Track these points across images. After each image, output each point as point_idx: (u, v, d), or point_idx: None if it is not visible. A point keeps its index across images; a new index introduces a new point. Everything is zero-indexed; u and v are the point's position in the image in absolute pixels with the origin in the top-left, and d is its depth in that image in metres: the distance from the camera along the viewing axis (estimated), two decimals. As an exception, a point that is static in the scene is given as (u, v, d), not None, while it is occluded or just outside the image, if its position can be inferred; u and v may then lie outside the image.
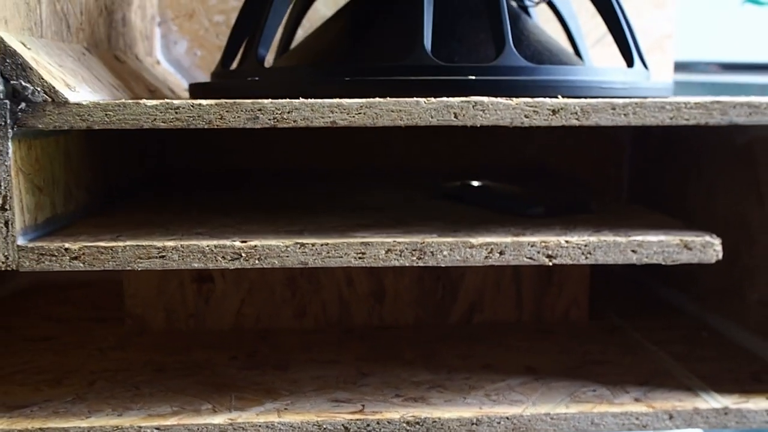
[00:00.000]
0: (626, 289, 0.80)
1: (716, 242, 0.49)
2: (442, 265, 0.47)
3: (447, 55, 0.52)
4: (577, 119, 0.46)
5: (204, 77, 0.84)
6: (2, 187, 0.45)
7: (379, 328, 0.67)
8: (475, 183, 0.66)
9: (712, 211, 0.67)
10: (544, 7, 0.69)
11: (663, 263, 0.49)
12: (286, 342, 0.64)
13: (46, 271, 0.47)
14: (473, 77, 0.47)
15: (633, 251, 0.49)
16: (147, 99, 0.46)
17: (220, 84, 0.54)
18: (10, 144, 0.44)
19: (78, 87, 0.48)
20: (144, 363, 0.59)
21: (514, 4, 0.65)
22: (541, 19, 0.73)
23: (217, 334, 0.66)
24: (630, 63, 0.56)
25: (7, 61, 0.44)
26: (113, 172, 0.64)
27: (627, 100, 0.47)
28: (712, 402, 0.51)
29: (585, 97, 0.48)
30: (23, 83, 0.44)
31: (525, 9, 0.68)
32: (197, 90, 0.57)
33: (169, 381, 0.55)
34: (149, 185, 0.73)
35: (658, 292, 0.78)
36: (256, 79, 0.51)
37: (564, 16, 0.65)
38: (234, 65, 0.61)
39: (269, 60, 0.59)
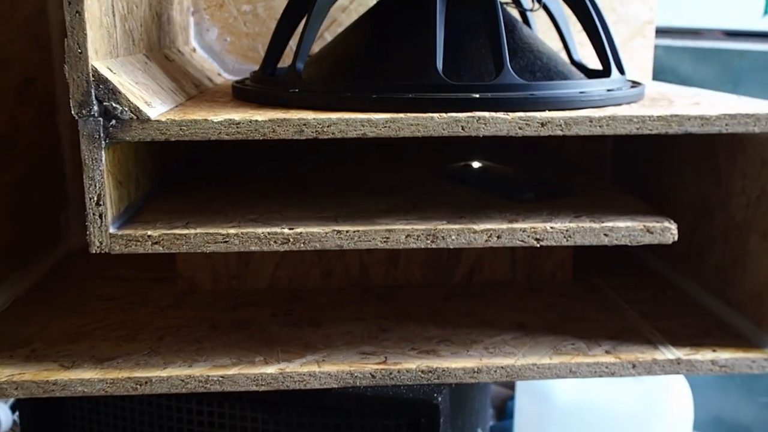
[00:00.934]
0: (606, 253, 0.91)
1: (673, 227, 0.61)
2: (451, 247, 0.59)
3: (454, 71, 0.62)
4: (561, 130, 0.57)
5: (233, 61, 0.93)
6: (97, 187, 0.56)
7: (393, 287, 0.79)
8: (476, 165, 0.77)
9: (681, 190, 0.78)
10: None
11: (629, 245, 0.60)
12: (316, 301, 0.75)
13: (130, 251, 0.58)
14: (477, 95, 0.58)
15: (605, 235, 0.60)
16: (194, 93, 0.56)
17: (264, 92, 0.64)
18: (103, 153, 0.55)
19: (152, 102, 0.58)
20: (200, 320, 0.71)
21: (512, 10, 0.75)
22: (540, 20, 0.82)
23: (255, 293, 0.77)
24: (608, 73, 0.66)
25: (101, 86, 0.54)
26: (167, 157, 0.74)
27: (601, 114, 0.57)
28: (667, 354, 0.64)
29: (569, 109, 0.59)
30: (113, 104, 0.55)
31: (524, 14, 0.77)
32: (242, 94, 0.67)
33: (224, 336, 0.67)
34: (192, 164, 0.84)
35: (634, 255, 0.90)
36: (296, 91, 0.61)
37: (557, 20, 0.75)
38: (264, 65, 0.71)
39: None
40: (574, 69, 0.71)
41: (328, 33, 0.93)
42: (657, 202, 0.81)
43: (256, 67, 0.91)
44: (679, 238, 0.61)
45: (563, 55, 0.77)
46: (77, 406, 0.72)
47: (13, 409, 1.60)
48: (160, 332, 0.68)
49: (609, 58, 0.67)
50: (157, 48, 0.75)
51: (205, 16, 0.92)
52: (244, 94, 0.67)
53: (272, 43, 0.70)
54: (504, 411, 1.65)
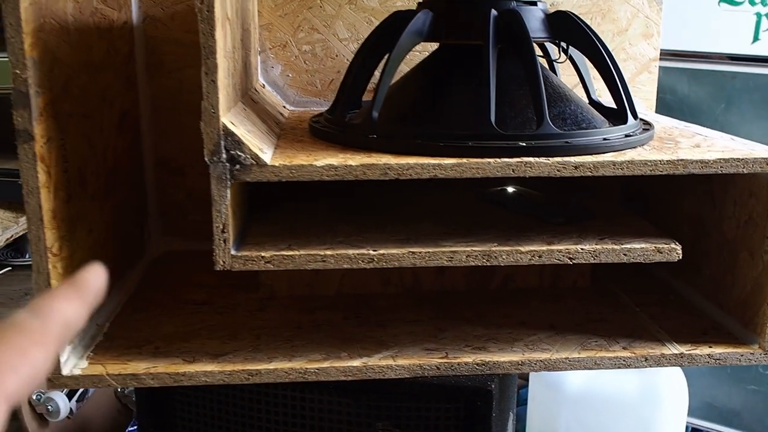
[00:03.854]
0: (619, 263, 1.06)
1: (678, 248, 0.75)
2: (502, 265, 0.73)
3: (502, 119, 0.77)
4: (590, 172, 0.72)
5: (294, 94, 1.07)
6: (223, 218, 0.70)
7: (441, 293, 0.94)
8: (510, 189, 0.92)
9: (682, 210, 0.93)
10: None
11: (643, 261, 0.75)
12: (378, 305, 0.90)
13: (247, 269, 0.72)
14: (524, 144, 0.72)
15: (624, 254, 0.75)
16: (278, 132, 0.70)
17: (346, 137, 0.78)
18: (228, 191, 0.69)
19: (264, 148, 0.72)
20: (286, 321, 0.85)
21: (542, 60, 0.89)
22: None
23: (325, 298, 0.92)
24: (625, 119, 0.80)
25: (228, 138, 0.68)
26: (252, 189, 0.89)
27: (622, 159, 0.72)
28: (672, 349, 0.78)
29: (596, 153, 0.73)
30: (238, 153, 0.69)
31: (551, 64, 0.92)
32: (324, 135, 0.82)
33: (309, 335, 0.82)
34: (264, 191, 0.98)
35: (644, 265, 1.04)
36: (375, 137, 0.75)
37: (579, 68, 0.89)
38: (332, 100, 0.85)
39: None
40: (594, 113, 0.85)
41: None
42: (662, 219, 0.96)
43: (314, 100, 1.06)
44: (682, 251, 0.76)
45: (580, 90, 0.92)
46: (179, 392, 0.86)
47: (69, 397, 1.75)
48: (256, 332, 0.82)
49: (625, 106, 0.81)
50: (245, 92, 0.89)
51: (270, 55, 1.06)
52: (326, 135, 0.81)
53: (349, 89, 0.84)
54: (518, 398, 1.80)
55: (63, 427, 1.83)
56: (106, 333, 0.82)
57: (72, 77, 0.76)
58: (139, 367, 0.74)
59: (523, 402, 1.70)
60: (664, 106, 1.60)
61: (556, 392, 1.49)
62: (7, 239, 2.14)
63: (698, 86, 1.61)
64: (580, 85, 0.92)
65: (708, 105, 1.57)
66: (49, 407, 1.75)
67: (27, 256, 2.34)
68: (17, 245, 2.30)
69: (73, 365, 0.74)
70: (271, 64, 1.07)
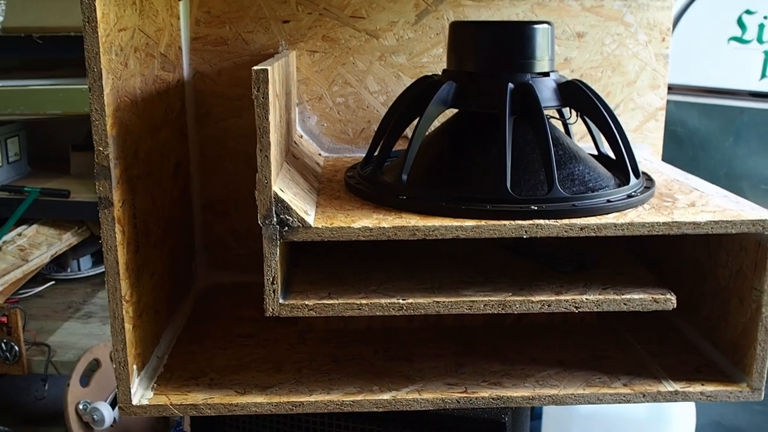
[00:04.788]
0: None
1: (673, 298, 0.85)
2: (516, 313, 0.84)
3: (516, 182, 0.87)
4: (594, 233, 0.82)
5: (329, 141, 1.18)
6: (273, 272, 0.81)
7: (461, 328, 1.04)
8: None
9: (682, 256, 1.02)
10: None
11: (641, 310, 0.85)
12: (404, 339, 1.00)
13: (293, 315, 0.83)
14: (535, 207, 0.82)
15: (624, 304, 0.85)
16: (317, 186, 0.81)
17: (378, 196, 0.89)
18: (277, 249, 0.80)
19: (308, 210, 0.83)
20: (323, 355, 0.96)
21: (555, 122, 0.99)
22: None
23: (357, 332, 1.02)
24: (627, 181, 0.90)
25: (279, 204, 0.79)
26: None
27: (623, 221, 0.82)
28: (668, 386, 0.88)
29: (600, 215, 0.83)
30: (287, 216, 0.79)
31: (566, 124, 1.02)
32: (358, 192, 0.92)
33: (345, 369, 0.92)
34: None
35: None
36: (404, 198, 0.86)
37: (590, 127, 0.99)
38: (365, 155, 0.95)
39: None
40: (601, 170, 0.95)
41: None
42: (664, 263, 1.05)
43: (347, 147, 1.17)
44: (680, 291, 0.85)
45: (590, 140, 1.02)
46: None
47: (112, 405, 1.87)
48: (298, 365, 0.93)
49: (628, 169, 0.91)
50: (287, 148, 1.00)
51: (307, 107, 1.17)
52: (360, 193, 0.92)
53: (381, 148, 0.94)
54: (533, 412, 1.90)
55: (106, 434, 1.96)
56: (166, 365, 0.93)
57: (140, 144, 0.87)
58: (198, 398, 0.85)
59: (537, 416, 1.80)
60: (675, 139, 1.70)
61: (569, 410, 1.59)
62: (53, 255, 2.27)
63: (708, 120, 1.70)
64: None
65: (717, 138, 1.65)
66: (95, 416, 1.87)
67: (69, 270, 2.48)
68: (60, 260, 2.43)
69: (140, 396, 0.85)
70: (308, 115, 1.17)
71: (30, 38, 2.13)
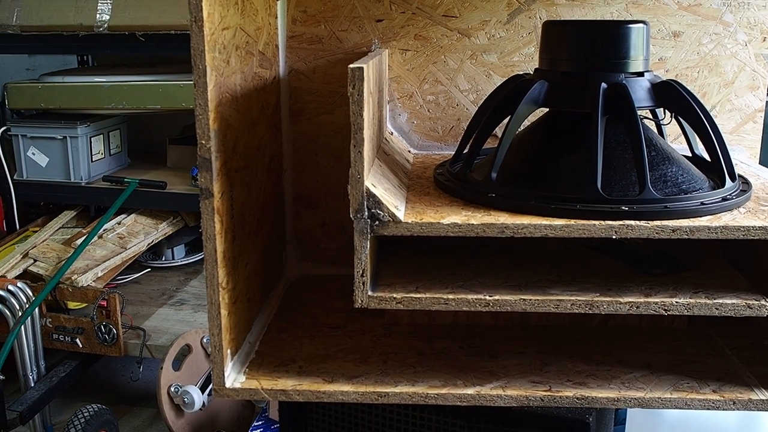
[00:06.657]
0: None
1: (767, 303, 0.83)
2: (603, 313, 0.83)
3: (607, 182, 0.86)
4: (686, 235, 0.81)
5: (418, 138, 1.20)
6: (363, 264, 0.83)
7: (546, 327, 1.04)
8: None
9: None
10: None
11: (734, 316, 0.83)
12: (489, 336, 1.01)
13: (381, 308, 0.85)
14: (626, 208, 0.82)
15: (716, 308, 0.83)
16: (407, 182, 0.82)
17: (468, 193, 0.90)
18: (368, 243, 0.82)
19: (398, 205, 0.85)
20: (409, 348, 0.98)
21: (648, 122, 0.98)
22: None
23: (442, 327, 1.04)
24: (723, 183, 0.88)
25: (370, 199, 0.81)
26: (384, 227, 1.02)
27: (717, 224, 0.80)
28: (760, 395, 0.86)
29: (693, 217, 0.82)
30: (378, 211, 0.82)
31: (659, 125, 1.00)
32: (447, 189, 0.93)
33: (430, 362, 0.94)
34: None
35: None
36: (493, 195, 0.87)
37: (685, 128, 0.98)
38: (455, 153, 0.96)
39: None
40: (695, 172, 0.93)
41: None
42: (758, 268, 1.03)
43: (435, 144, 1.18)
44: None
45: (683, 141, 1.00)
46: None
47: (202, 390, 1.94)
48: (383, 357, 0.95)
49: (724, 171, 0.89)
50: (379, 144, 1.02)
51: (398, 104, 1.19)
52: (449, 190, 0.93)
53: (471, 146, 0.96)
54: (617, 417, 1.87)
55: (196, 417, 2.03)
56: (257, 351, 0.96)
57: (239, 138, 0.91)
58: (287, 384, 0.88)
59: (621, 421, 1.77)
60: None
61: (654, 417, 1.56)
62: (149, 244, 2.37)
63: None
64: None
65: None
66: (185, 399, 1.95)
67: (163, 258, 2.58)
68: (155, 248, 2.54)
69: (233, 379, 0.89)
70: (398, 112, 1.19)
71: (133, 36, 2.23)
